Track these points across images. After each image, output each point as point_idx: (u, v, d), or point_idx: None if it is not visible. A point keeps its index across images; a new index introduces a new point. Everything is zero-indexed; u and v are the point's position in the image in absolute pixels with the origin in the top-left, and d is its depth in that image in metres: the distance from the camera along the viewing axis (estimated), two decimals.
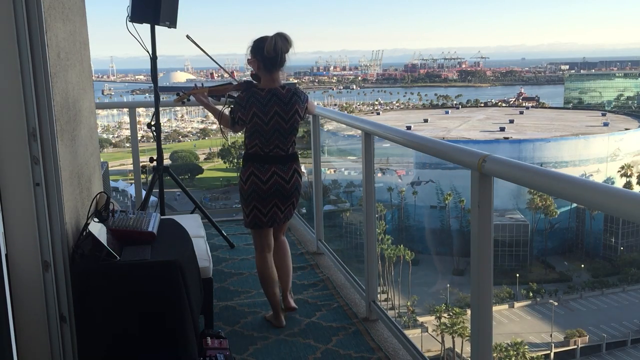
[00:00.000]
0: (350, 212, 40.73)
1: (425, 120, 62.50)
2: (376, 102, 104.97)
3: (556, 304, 37.18)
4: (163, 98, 5.14)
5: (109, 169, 4.79)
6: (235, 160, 51.56)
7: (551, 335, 34.45)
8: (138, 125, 6.34)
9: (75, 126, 2.88)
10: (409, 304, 37.50)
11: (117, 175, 45.37)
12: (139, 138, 6.40)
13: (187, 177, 50.52)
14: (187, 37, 4.28)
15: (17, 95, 2.29)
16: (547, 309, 36.81)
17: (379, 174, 45.17)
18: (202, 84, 3.85)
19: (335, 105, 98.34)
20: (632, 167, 49.18)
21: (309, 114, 3.82)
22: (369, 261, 3.75)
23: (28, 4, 2.27)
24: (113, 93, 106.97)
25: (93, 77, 3.68)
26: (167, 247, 2.77)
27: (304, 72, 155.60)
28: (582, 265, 42.80)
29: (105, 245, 2.53)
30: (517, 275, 39.86)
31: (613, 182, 46.03)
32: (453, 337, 32.22)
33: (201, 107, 3.86)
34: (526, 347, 31.27)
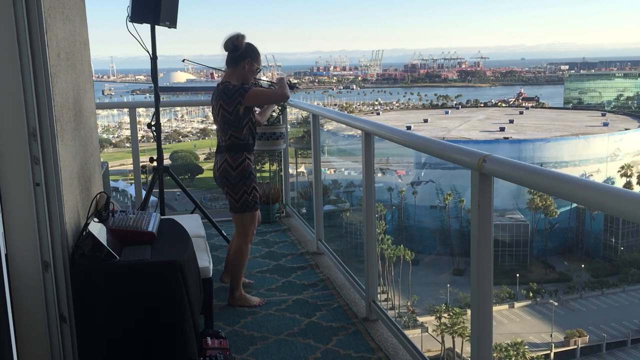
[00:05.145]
0: (350, 212, 40.72)
1: (425, 120, 62.48)
2: (376, 102, 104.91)
3: (556, 304, 37.18)
4: (163, 98, 5.14)
5: (109, 169, 4.79)
6: None
7: (551, 335, 34.44)
8: (138, 125, 6.34)
9: (75, 126, 2.88)
10: (409, 304, 37.50)
11: (117, 175, 45.36)
12: (139, 138, 6.39)
13: (187, 177, 50.47)
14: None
15: (17, 95, 2.29)
16: (547, 309, 36.80)
17: (379, 174, 45.17)
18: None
19: (335, 105, 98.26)
20: (632, 167, 49.17)
21: (250, 104, 3.83)
22: (369, 261, 3.75)
23: (28, 4, 2.27)
24: (113, 93, 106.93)
25: (93, 77, 3.68)
26: (167, 247, 2.77)
27: (304, 72, 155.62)
28: (582, 265, 42.77)
29: (105, 245, 2.53)
30: (517, 275, 39.84)
31: (613, 182, 46.02)
32: (453, 337, 32.22)
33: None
34: (526, 347, 31.26)
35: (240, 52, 3.84)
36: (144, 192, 5.36)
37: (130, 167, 6.63)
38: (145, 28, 4.66)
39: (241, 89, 3.77)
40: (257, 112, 4.24)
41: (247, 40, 3.92)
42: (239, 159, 3.84)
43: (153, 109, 4.94)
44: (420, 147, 3.09)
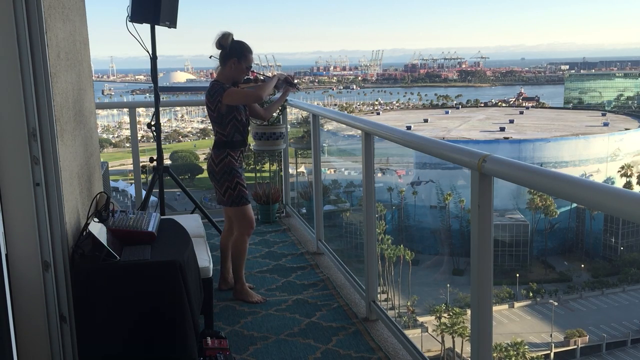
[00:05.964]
0: (350, 212, 40.71)
1: (425, 120, 62.47)
2: (376, 102, 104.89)
3: (556, 304, 37.18)
4: (163, 98, 5.14)
5: (109, 169, 4.79)
6: None
7: (551, 335, 34.45)
8: (138, 125, 6.34)
9: (75, 126, 2.88)
10: (409, 304, 37.50)
11: (117, 175, 45.38)
12: (139, 138, 6.40)
13: (187, 177, 50.45)
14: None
15: (17, 95, 2.29)
16: (547, 309, 36.80)
17: (379, 174, 45.16)
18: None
19: (335, 105, 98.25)
20: (632, 167, 49.17)
21: (228, 102, 3.81)
22: (369, 261, 3.75)
23: (28, 4, 2.27)
24: (113, 93, 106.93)
25: (93, 77, 3.68)
26: (167, 247, 2.77)
27: (304, 72, 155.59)
28: (582, 265, 42.79)
29: (106, 245, 2.53)
30: (517, 275, 39.85)
31: (613, 182, 46.02)
32: (453, 337, 32.22)
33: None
34: (526, 347, 31.26)
35: (226, 51, 3.83)
36: (144, 192, 5.37)
37: (130, 167, 6.63)
38: (145, 28, 4.66)
39: (221, 87, 3.79)
40: (263, 108, 4.31)
41: (246, 39, 3.91)
42: (221, 155, 3.90)
43: (153, 109, 4.95)
44: (420, 147, 3.09)
